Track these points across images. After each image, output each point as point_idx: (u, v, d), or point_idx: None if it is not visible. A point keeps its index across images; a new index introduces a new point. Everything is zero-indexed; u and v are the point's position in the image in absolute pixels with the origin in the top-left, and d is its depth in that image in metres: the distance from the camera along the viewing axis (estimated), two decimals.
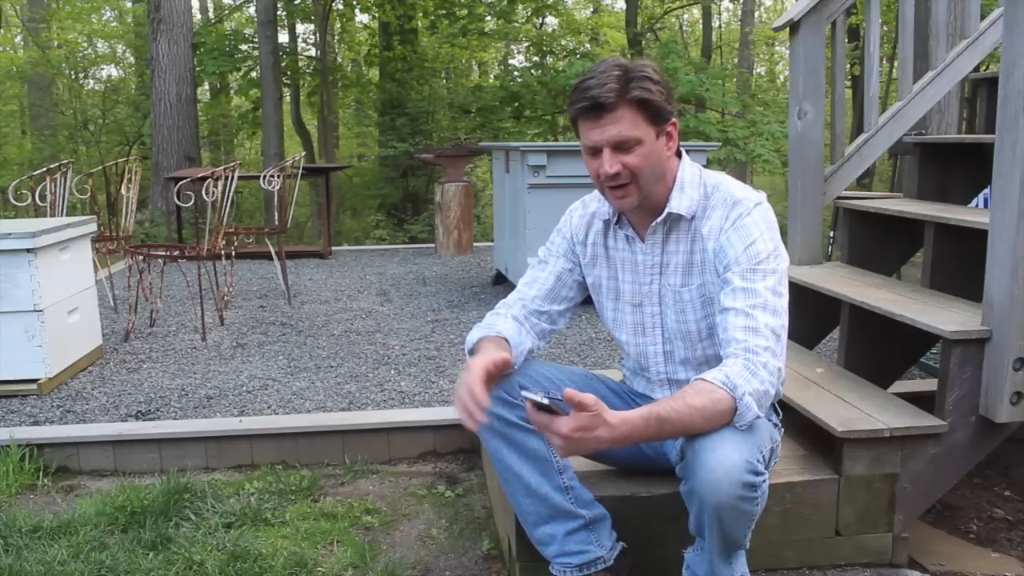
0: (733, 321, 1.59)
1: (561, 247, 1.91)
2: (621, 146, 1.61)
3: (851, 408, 2.13)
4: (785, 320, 1.62)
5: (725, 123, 10.42)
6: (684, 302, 1.75)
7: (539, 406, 1.44)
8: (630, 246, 1.81)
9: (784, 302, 1.63)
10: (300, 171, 5.61)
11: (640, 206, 1.71)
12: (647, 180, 1.65)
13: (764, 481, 1.53)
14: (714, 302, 1.72)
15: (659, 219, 1.73)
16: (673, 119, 1.67)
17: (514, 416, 1.75)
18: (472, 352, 1.74)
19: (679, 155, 1.75)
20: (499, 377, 1.69)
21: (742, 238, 1.65)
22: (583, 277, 1.91)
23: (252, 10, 12.88)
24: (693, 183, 1.72)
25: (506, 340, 1.76)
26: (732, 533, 1.56)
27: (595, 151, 1.64)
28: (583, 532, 1.79)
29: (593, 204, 1.88)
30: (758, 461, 1.51)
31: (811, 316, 2.76)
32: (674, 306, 1.77)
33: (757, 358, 1.54)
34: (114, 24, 16.93)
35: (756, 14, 19.45)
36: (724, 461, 1.47)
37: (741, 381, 1.51)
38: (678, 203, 1.71)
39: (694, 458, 1.52)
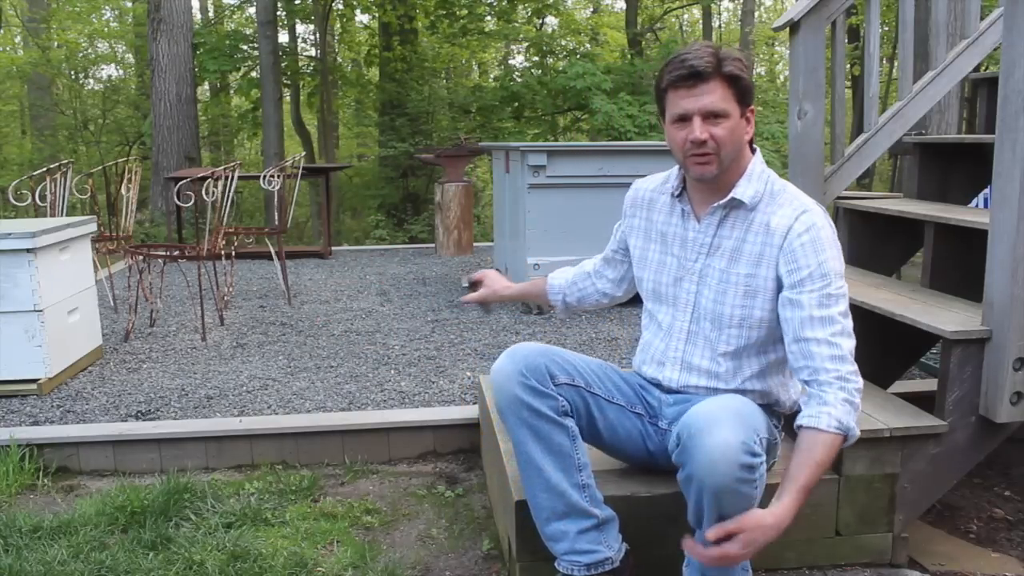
0: (818, 351, 1.66)
1: (620, 221, 2.08)
2: (711, 116, 1.69)
3: None
4: (855, 340, 1.72)
5: None
6: (728, 284, 1.79)
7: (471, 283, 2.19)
8: (684, 222, 1.87)
9: (851, 324, 1.72)
10: (300, 171, 5.61)
11: (713, 183, 1.78)
12: (728, 154, 1.73)
13: (762, 463, 1.56)
14: (757, 296, 1.77)
15: (722, 201, 1.79)
16: (752, 107, 1.76)
17: (544, 407, 1.77)
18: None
19: (753, 151, 1.82)
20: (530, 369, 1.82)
21: (816, 250, 1.70)
22: (625, 257, 2.06)
23: (252, 10, 12.88)
24: (761, 178, 1.80)
25: (545, 279, 2.22)
26: (732, 517, 1.57)
27: (684, 119, 1.71)
28: (594, 532, 1.80)
29: (651, 182, 1.98)
30: (754, 443, 1.54)
31: None
32: (716, 287, 1.80)
33: (851, 385, 1.64)
34: (114, 24, 16.94)
35: (756, 14, 19.43)
36: (720, 443, 1.51)
37: (848, 418, 1.62)
38: (743, 191, 1.77)
39: (690, 442, 1.55)
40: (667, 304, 1.90)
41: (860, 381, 1.67)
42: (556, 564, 1.82)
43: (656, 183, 1.98)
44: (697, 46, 1.72)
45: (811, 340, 1.67)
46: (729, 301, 1.79)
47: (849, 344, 1.68)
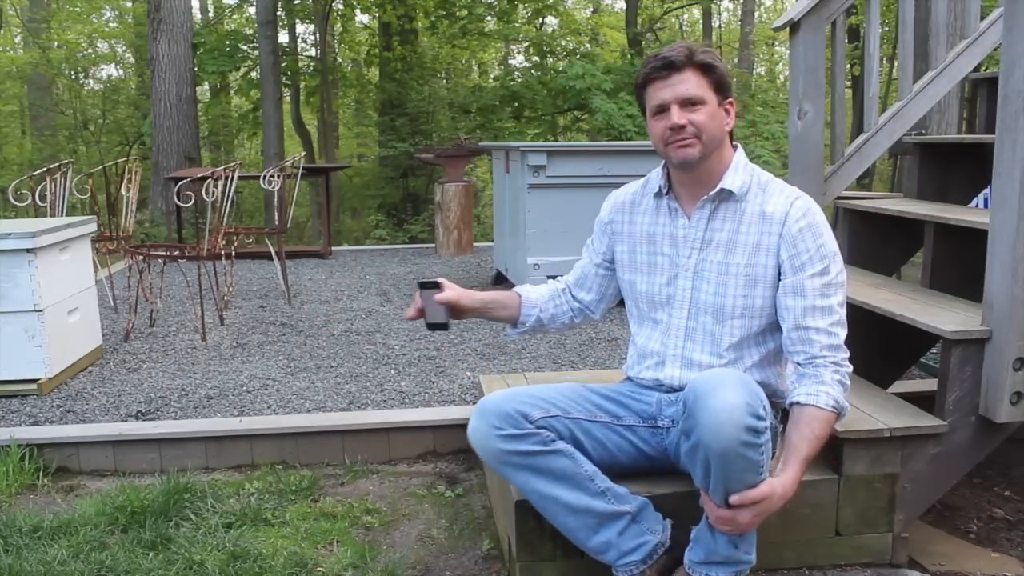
0: (817, 339, 1.75)
1: (595, 235, 2.06)
2: (688, 103, 1.74)
3: (851, 408, 2.13)
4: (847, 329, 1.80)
5: None
6: (728, 275, 1.81)
7: (425, 285, 1.87)
8: (672, 219, 1.89)
9: (845, 312, 1.79)
10: (300, 171, 5.61)
11: (696, 175, 1.81)
12: (710, 139, 1.77)
13: (767, 429, 1.59)
14: (758, 285, 1.80)
15: (711, 193, 1.82)
16: (731, 99, 1.81)
17: (529, 445, 1.76)
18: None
19: (734, 147, 1.87)
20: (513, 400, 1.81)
21: (814, 235, 1.77)
22: (610, 269, 2.03)
23: (252, 10, 12.88)
24: (746, 170, 1.85)
25: (518, 295, 2.05)
26: (739, 486, 1.59)
27: (662, 110, 1.77)
28: (633, 526, 1.80)
29: (631, 187, 2.00)
30: (759, 406, 1.57)
31: None
32: (716, 279, 1.82)
33: (844, 369, 1.75)
34: (114, 24, 16.94)
35: (756, 14, 19.44)
36: (725, 404, 1.53)
37: (842, 398, 1.73)
38: (731, 181, 1.81)
39: (695, 405, 1.57)
40: (662, 304, 1.90)
41: (850, 367, 1.77)
42: (615, 572, 1.82)
43: (634, 188, 2.00)
44: (673, 45, 1.81)
45: (811, 328, 1.75)
46: (731, 292, 1.81)
47: (844, 333, 1.77)
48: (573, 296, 2.09)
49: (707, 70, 1.75)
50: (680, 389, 1.87)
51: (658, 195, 1.91)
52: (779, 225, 1.78)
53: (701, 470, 1.61)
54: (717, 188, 1.81)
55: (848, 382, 1.76)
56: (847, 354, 1.76)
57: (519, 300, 2.04)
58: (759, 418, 1.55)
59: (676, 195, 1.89)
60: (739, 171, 1.82)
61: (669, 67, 1.74)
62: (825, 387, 1.71)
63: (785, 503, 1.64)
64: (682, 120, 1.74)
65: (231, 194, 4.49)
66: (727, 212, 1.83)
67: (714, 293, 1.83)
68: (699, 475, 1.63)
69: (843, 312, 1.78)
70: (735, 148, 1.86)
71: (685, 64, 1.74)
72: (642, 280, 1.94)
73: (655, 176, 1.92)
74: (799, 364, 1.78)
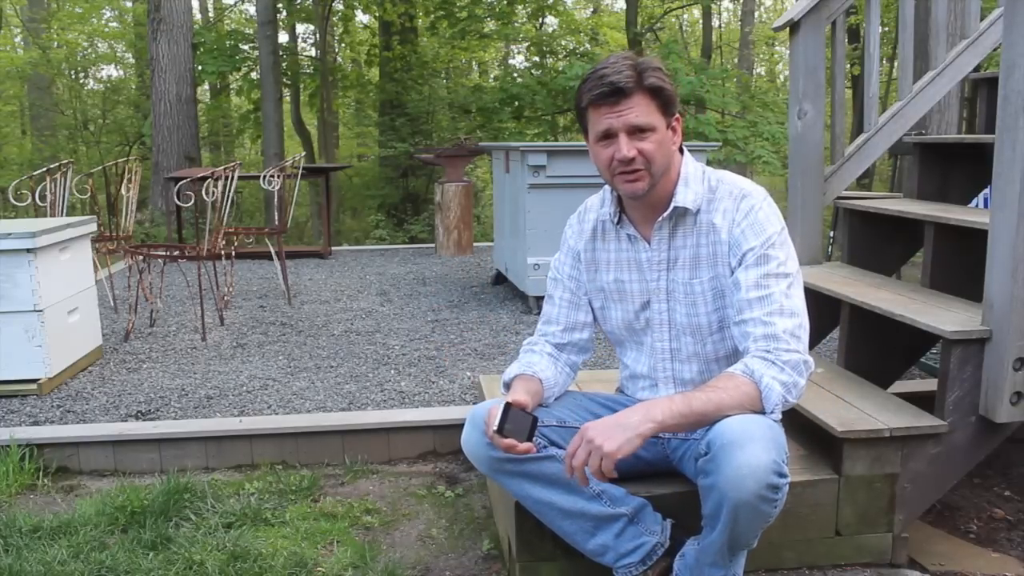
0: (752, 331, 1.65)
1: (564, 267, 1.95)
2: (637, 131, 1.64)
3: (851, 408, 2.13)
4: (804, 320, 1.67)
5: (725, 124, 10.42)
6: (695, 295, 1.77)
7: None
8: (633, 245, 1.83)
9: (798, 303, 1.68)
10: (300, 171, 5.61)
11: (646, 200, 1.74)
12: (658, 168, 1.69)
13: (786, 483, 1.55)
14: (725, 295, 1.74)
15: (665, 214, 1.75)
16: (677, 114, 1.72)
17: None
18: (507, 386, 1.86)
19: (681, 152, 1.78)
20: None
21: (756, 232, 1.69)
22: (589, 294, 1.94)
23: (252, 10, 12.88)
24: (696, 178, 1.76)
25: (540, 380, 1.85)
26: (744, 532, 1.57)
27: (608, 137, 1.67)
28: (630, 528, 1.79)
29: (592, 212, 1.91)
30: (783, 463, 1.54)
31: (811, 316, 2.73)
32: (684, 300, 1.78)
33: (775, 356, 1.61)
34: (114, 24, 16.95)
35: (756, 14, 19.45)
36: (751, 460, 1.49)
37: (760, 367, 1.60)
38: (683, 197, 1.73)
39: (721, 453, 1.52)
40: (641, 330, 1.87)
41: (795, 356, 1.61)
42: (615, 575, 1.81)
43: (595, 212, 1.90)
44: (615, 59, 1.66)
45: (748, 321, 1.65)
46: (702, 310, 1.77)
47: (785, 323, 1.63)
48: (566, 344, 1.95)
49: (656, 93, 1.64)
50: None
51: (610, 223, 1.84)
52: (727, 233, 1.71)
53: (711, 507, 1.58)
54: (671, 207, 1.73)
55: (782, 364, 1.60)
56: (790, 345, 1.62)
57: (541, 383, 1.87)
58: (782, 475, 1.52)
59: (630, 218, 1.82)
60: (690, 182, 1.74)
61: (617, 93, 1.61)
62: (744, 361, 1.61)
63: (633, 433, 1.51)
64: (631, 152, 1.64)
65: (231, 194, 4.49)
66: (686, 228, 1.76)
67: (686, 314, 1.79)
68: (708, 509, 1.60)
69: (790, 303, 1.65)
70: (682, 154, 1.77)
71: (633, 89, 1.62)
72: (615, 307, 1.89)
73: (608, 199, 1.84)
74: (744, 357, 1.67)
